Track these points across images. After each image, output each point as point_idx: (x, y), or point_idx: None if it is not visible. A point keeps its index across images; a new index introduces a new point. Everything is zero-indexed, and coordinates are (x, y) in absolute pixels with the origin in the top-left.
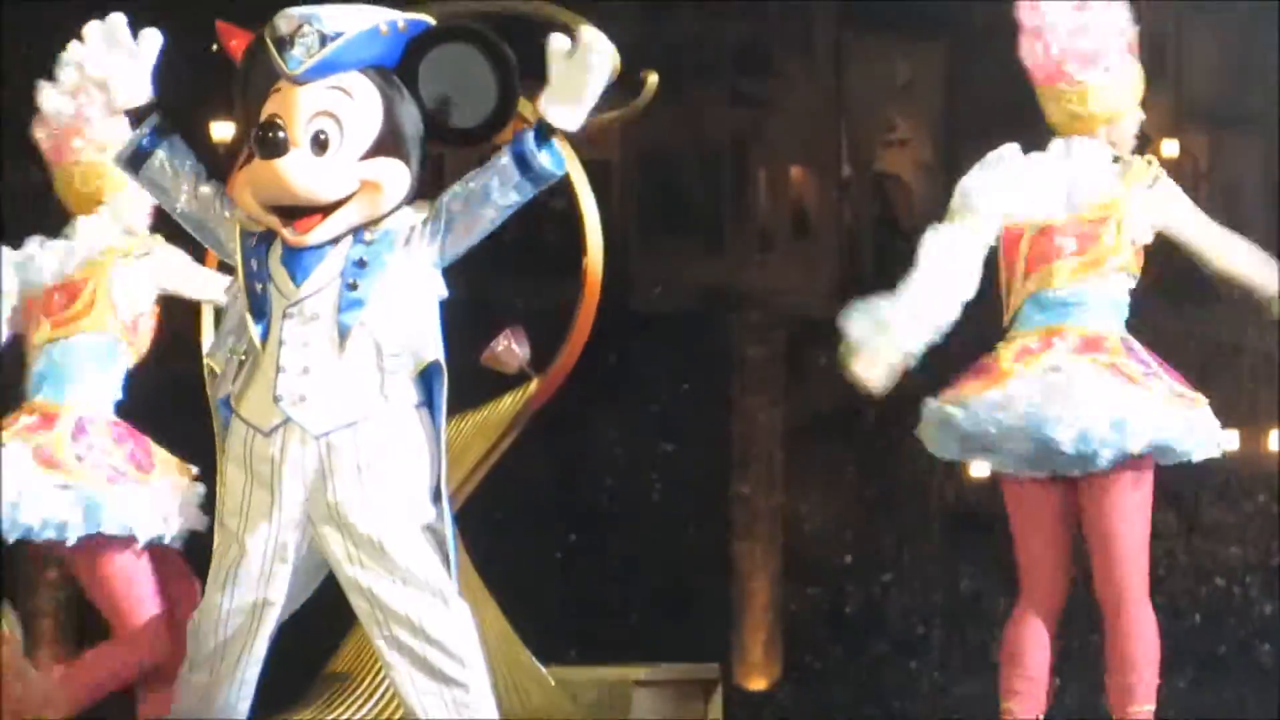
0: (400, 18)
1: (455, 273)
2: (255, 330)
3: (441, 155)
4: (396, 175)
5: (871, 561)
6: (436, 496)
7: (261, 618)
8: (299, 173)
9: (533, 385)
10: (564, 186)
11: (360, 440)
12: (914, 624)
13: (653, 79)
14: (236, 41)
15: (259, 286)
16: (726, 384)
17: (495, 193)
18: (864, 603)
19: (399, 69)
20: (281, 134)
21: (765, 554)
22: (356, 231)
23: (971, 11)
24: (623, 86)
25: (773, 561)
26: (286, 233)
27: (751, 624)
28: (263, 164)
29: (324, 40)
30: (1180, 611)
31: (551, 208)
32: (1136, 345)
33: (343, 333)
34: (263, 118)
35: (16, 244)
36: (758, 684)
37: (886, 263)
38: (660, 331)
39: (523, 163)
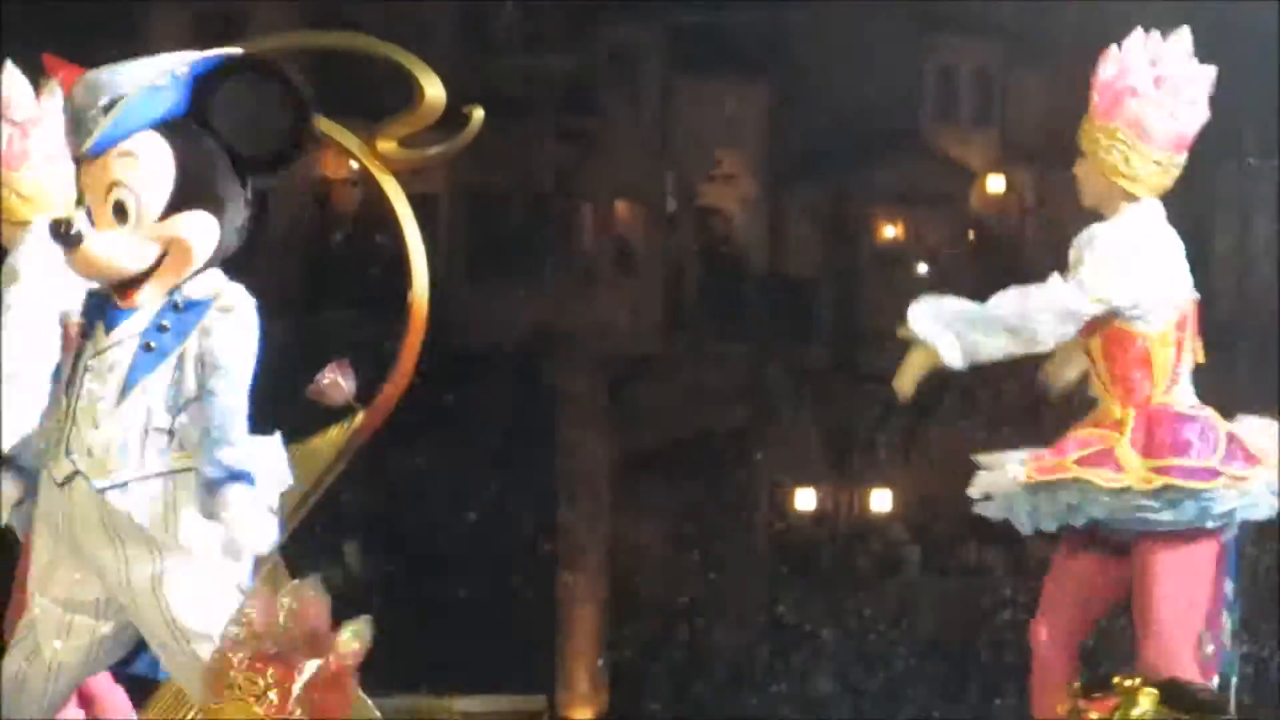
0: (181, 64)
1: (283, 306)
2: (63, 381)
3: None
4: (200, 227)
5: (697, 593)
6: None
7: (56, 679)
8: (101, 253)
9: (358, 418)
10: (390, 222)
11: (143, 510)
12: (740, 655)
13: (478, 114)
14: (64, 74)
15: (84, 342)
16: (552, 418)
17: None
18: (690, 634)
19: (198, 107)
20: (73, 229)
21: (591, 586)
22: (173, 291)
23: (795, 50)
24: (448, 121)
25: (598, 593)
26: (118, 299)
27: (577, 655)
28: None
29: (105, 111)
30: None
31: (377, 243)
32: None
33: (125, 390)
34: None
35: None
36: (583, 715)
37: (711, 297)
38: (487, 366)
39: None
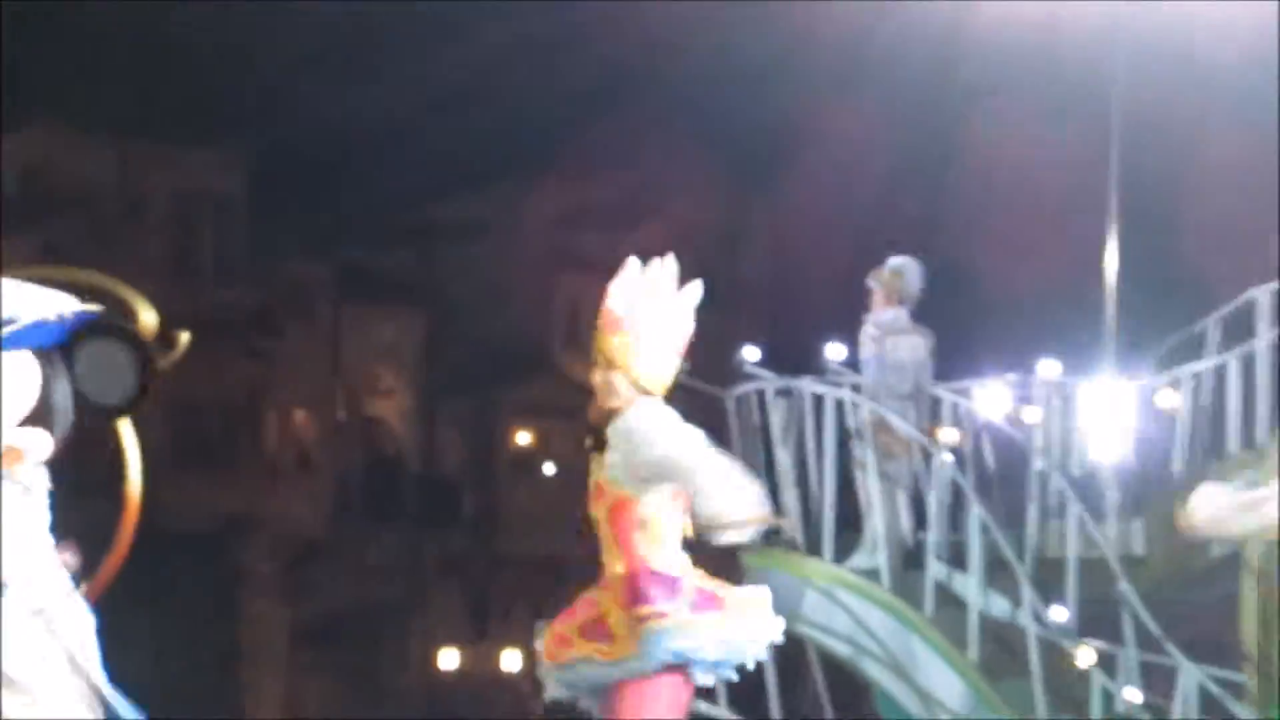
0: (67, 310)
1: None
2: None
3: None
4: (39, 443)
5: None
6: None
7: None
8: None
9: (81, 591)
10: (110, 425)
11: None
12: None
13: (185, 337)
14: None
15: None
16: (238, 591)
17: None
18: None
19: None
20: None
21: None
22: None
23: (445, 285)
24: (161, 342)
25: None
26: None
27: None
28: None
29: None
30: None
31: (101, 442)
32: None
33: None
34: None
35: None
36: None
37: (373, 490)
38: (185, 546)
39: None
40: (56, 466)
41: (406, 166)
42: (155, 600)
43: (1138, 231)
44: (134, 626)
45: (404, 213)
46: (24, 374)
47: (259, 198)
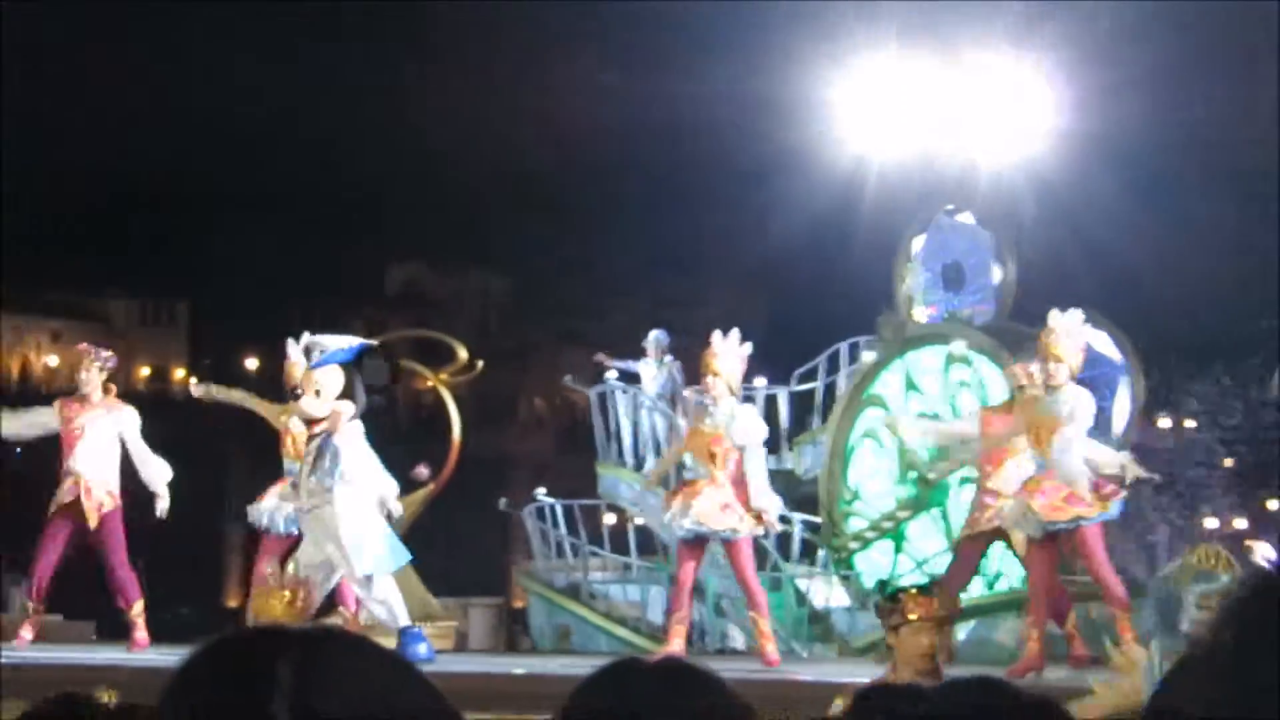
0: (353, 342)
1: (397, 441)
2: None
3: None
4: (347, 409)
5: None
6: None
7: None
8: (305, 407)
9: (430, 487)
10: (445, 406)
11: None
12: None
13: (480, 363)
14: (290, 346)
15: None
16: (497, 487)
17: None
18: None
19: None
20: (299, 391)
21: None
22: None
23: (607, 336)
24: (469, 364)
25: None
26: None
27: None
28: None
29: (322, 352)
30: None
31: (441, 413)
32: None
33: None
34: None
35: None
36: None
37: (563, 438)
38: (479, 468)
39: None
40: (420, 428)
41: (584, 280)
42: (461, 491)
43: None
44: (448, 503)
45: (587, 301)
46: (334, 375)
47: (516, 289)
